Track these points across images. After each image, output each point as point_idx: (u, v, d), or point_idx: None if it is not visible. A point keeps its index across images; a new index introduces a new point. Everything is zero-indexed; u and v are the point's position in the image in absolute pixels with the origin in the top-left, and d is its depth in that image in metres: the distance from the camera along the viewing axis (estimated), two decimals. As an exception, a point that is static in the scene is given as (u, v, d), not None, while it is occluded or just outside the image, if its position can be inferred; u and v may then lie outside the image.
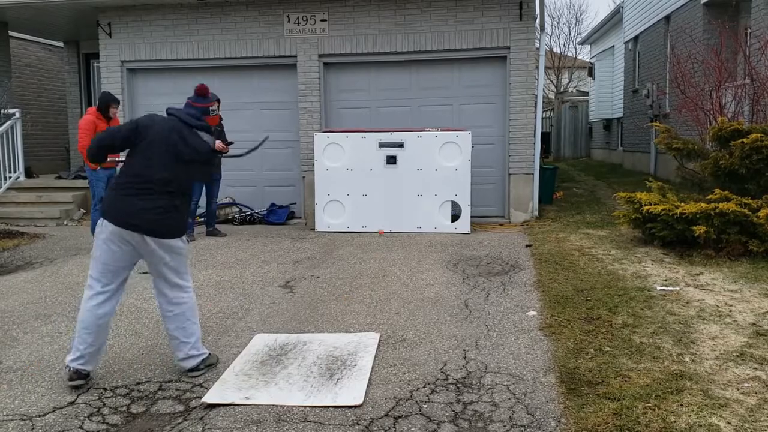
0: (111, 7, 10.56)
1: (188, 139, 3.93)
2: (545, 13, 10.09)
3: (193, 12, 10.43)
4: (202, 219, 9.50)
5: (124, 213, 3.79)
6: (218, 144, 9.00)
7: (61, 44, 14.34)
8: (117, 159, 8.12)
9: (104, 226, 3.82)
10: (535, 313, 5.15)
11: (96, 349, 3.90)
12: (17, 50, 13.96)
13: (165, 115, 4.07)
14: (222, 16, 10.36)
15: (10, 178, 11.25)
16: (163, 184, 3.83)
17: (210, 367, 4.10)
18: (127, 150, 3.95)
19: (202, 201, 9.07)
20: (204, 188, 8.87)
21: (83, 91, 13.62)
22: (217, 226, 9.27)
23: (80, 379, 3.85)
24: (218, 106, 8.84)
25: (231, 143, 8.84)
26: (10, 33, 12.89)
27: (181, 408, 3.61)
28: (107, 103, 8.11)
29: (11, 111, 11.43)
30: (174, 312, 3.99)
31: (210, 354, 4.16)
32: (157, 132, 3.88)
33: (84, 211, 10.84)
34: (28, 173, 11.87)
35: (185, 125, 3.98)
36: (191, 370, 4.02)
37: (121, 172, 3.94)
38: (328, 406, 3.57)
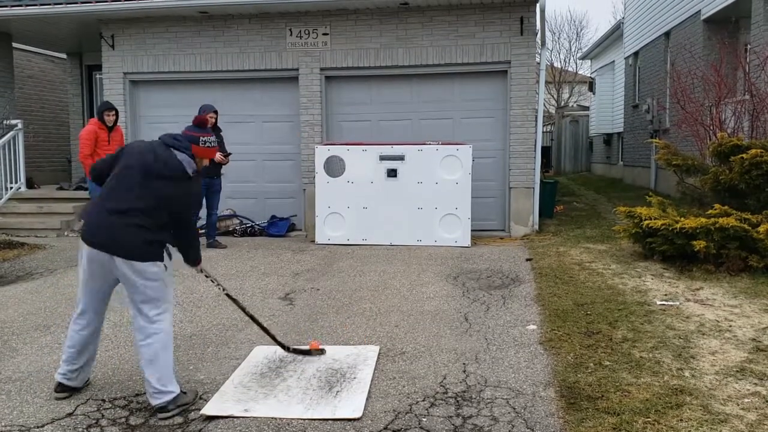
0: (114, 20, 10.62)
1: (160, 155, 3.77)
2: (546, 28, 10.15)
3: (196, 25, 10.49)
4: (203, 231, 9.51)
5: (93, 232, 3.71)
6: (218, 156, 9.05)
7: (64, 56, 14.41)
8: None
9: (80, 246, 3.79)
10: (535, 327, 5.14)
11: (80, 367, 3.91)
12: (20, 61, 14.02)
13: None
14: (225, 29, 10.43)
15: (11, 188, 11.27)
16: (134, 200, 3.66)
17: (182, 408, 3.69)
18: None
19: (203, 213, 9.08)
20: (204, 200, 8.87)
21: (86, 102, 13.66)
22: (217, 238, 9.27)
23: (65, 392, 3.91)
24: (216, 118, 8.89)
25: (230, 154, 8.91)
26: (14, 44, 12.95)
27: (179, 420, 3.60)
28: (102, 110, 8.19)
29: (14, 122, 11.47)
30: (143, 343, 3.72)
31: (181, 393, 3.75)
32: (134, 150, 3.84)
33: (85, 222, 10.82)
34: (30, 184, 11.89)
35: (162, 144, 3.86)
36: (159, 410, 3.64)
37: (100, 192, 3.88)
38: (327, 419, 3.56)
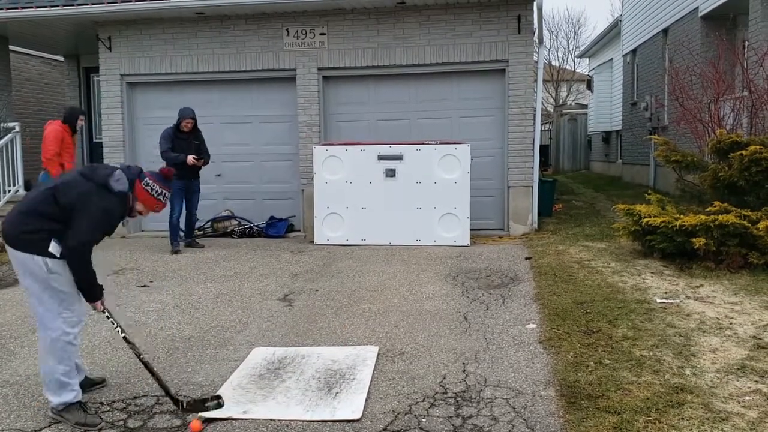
0: (111, 21, 10.60)
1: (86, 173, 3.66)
2: (543, 27, 10.14)
3: (193, 26, 10.47)
4: (200, 232, 9.50)
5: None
6: (190, 159, 9.14)
7: (61, 58, 14.38)
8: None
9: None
10: (534, 326, 5.13)
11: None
12: (17, 64, 14.00)
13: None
14: (221, 30, 10.40)
15: (9, 191, 11.24)
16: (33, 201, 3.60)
17: (66, 420, 3.56)
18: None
19: (201, 215, 9.08)
20: (183, 201, 9.00)
21: (83, 104, 13.64)
22: (197, 239, 9.41)
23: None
24: (194, 122, 9.06)
25: (207, 156, 9.01)
26: (11, 47, 12.93)
27: (178, 422, 3.59)
28: (77, 115, 8.15)
29: (11, 125, 11.44)
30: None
31: (67, 405, 3.59)
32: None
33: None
34: (28, 186, 11.85)
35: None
36: (52, 410, 3.63)
37: None
38: (327, 421, 3.54)
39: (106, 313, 3.81)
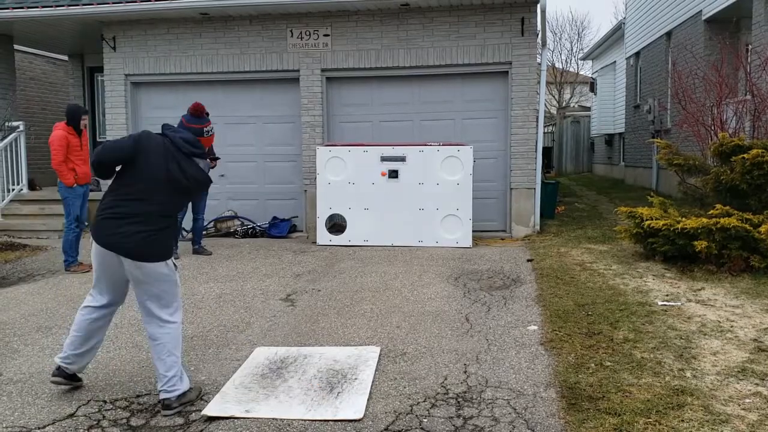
0: (115, 21, 10.64)
1: (187, 170, 3.79)
2: (547, 29, 10.15)
3: (197, 26, 10.51)
4: (188, 235, 9.29)
5: (104, 233, 3.71)
6: None
7: (65, 58, 14.43)
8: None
9: (92, 240, 3.80)
10: (536, 327, 5.14)
11: (82, 353, 3.93)
12: (22, 64, 14.05)
13: (161, 131, 3.94)
14: (225, 31, 10.44)
15: (13, 190, 11.28)
16: (154, 208, 3.72)
17: (186, 404, 3.75)
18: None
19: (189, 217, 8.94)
20: (190, 204, 8.62)
21: (87, 104, 13.69)
22: (203, 245, 8.94)
23: (61, 377, 3.93)
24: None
25: (218, 158, 8.87)
26: (16, 46, 12.98)
27: (180, 421, 3.61)
28: (79, 114, 8.08)
29: (15, 124, 11.49)
30: (155, 343, 3.78)
31: (190, 389, 3.82)
32: (155, 156, 3.74)
33: (87, 224, 10.85)
34: (32, 185, 11.90)
35: (182, 153, 3.81)
36: (164, 407, 3.70)
37: (110, 189, 3.81)
38: (329, 420, 3.56)
39: None
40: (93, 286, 3.95)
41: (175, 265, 3.87)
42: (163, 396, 3.71)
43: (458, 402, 3.75)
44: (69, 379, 3.98)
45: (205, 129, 4.00)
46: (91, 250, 3.86)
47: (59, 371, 3.92)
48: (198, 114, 4.01)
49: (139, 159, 3.73)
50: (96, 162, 3.73)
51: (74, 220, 7.70)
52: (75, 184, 7.69)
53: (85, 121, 8.12)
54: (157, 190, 3.73)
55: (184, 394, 3.76)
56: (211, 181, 4.06)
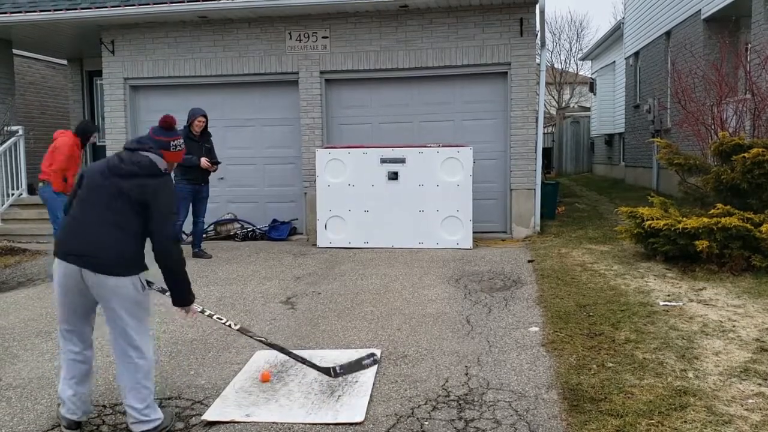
0: (114, 25, 10.63)
1: (125, 157, 3.49)
2: (546, 29, 10.14)
3: (196, 29, 10.50)
4: (188, 237, 9.24)
5: (64, 243, 3.41)
6: (203, 162, 8.88)
7: (64, 62, 14.42)
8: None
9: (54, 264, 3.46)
10: (537, 328, 5.12)
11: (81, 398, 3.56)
12: (21, 68, 14.05)
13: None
14: (224, 34, 10.43)
15: (12, 194, 11.28)
16: (104, 210, 3.38)
17: None
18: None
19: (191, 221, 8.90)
20: (191, 207, 8.63)
21: (86, 108, 13.69)
22: (203, 248, 8.84)
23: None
24: (206, 122, 8.67)
25: (218, 163, 8.79)
26: (14, 51, 12.97)
27: (180, 425, 3.59)
28: (90, 132, 8.09)
29: (14, 128, 11.48)
30: (125, 370, 3.43)
31: (162, 420, 3.47)
32: (95, 166, 3.53)
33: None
34: (31, 190, 11.89)
35: (125, 150, 3.56)
36: None
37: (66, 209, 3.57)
38: (329, 424, 3.54)
39: (207, 312, 3.89)
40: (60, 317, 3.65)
41: (144, 284, 3.52)
42: (136, 429, 3.43)
43: (459, 404, 3.74)
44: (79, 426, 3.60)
45: (172, 143, 3.66)
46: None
47: (75, 424, 3.56)
48: (167, 127, 3.73)
49: (86, 178, 3.52)
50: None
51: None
52: (61, 192, 7.74)
53: (94, 139, 8.12)
54: (105, 192, 3.43)
55: (160, 423, 3.47)
56: (162, 172, 3.54)
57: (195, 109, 8.62)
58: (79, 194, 3.50)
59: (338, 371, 4.12)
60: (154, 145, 3.61)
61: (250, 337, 4.11)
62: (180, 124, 8.46)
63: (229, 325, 4.00)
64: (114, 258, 3.34)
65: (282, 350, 4.16)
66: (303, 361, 4.16)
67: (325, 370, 4.12)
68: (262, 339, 4.18)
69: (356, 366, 4.17)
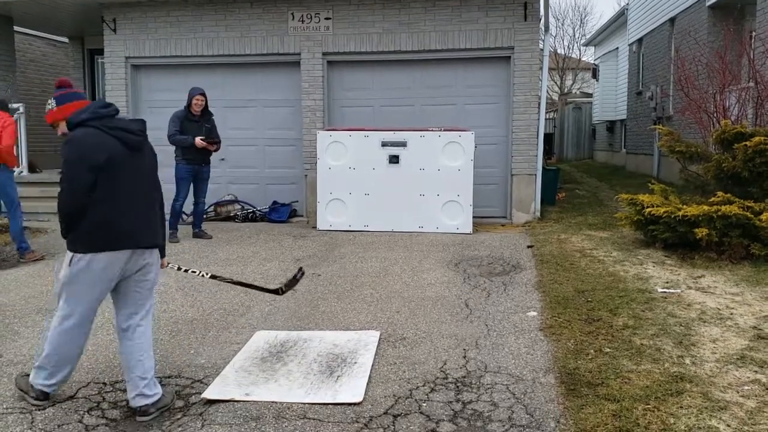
0: (116, 4, 10.56)
1: (133, 129, 3.53)
2: (550, 14, 10.12)
3: (198, 9, 10.44)
4: (189, 219, 9.25)
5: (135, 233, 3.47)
6: (198, 141, 8.84)
7: (65, 40, 14.35)
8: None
9: (94, 261, 3.37)
10: (535, 313, 5.15)
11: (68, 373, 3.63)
12: (22, 45, 13.97)
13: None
14: (226, 14, 10.37)
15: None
16: (148, 188, 3.61)
17: (162, 410, 3.48)
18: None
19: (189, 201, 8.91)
20: (192, 187, 8.63)
21: (88, 86, 13.63)
22: (204, 228, 8.85)
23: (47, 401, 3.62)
24: (206, 101, 8.62)
25: (219, 142, 8.77)
26: (15, 28, 12.90)
27: (180, 403, 3.62)
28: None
29: (15, 106, 11.43)
30: (134, 342, 3.51)
31: (163, 395, 3.53)
32: (117, 149, 3.49)
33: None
34: (32, 168, 11.89)
35: (115, 117, 3.53)
36: (140, 414, 3.44)
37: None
38: (328, 404, 3.57)
39: (177, 267, 4.21)
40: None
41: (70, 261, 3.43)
42: (137, 402, 3.47)
43: (457, 387, 3.76)
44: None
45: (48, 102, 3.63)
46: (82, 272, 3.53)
47: (46, 396, 3.63)
48: (57, 85, 3.67)
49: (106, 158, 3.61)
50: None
51: (19, 205, 7.90)
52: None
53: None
54: (144, 171, 3.70)
55: (161, 398, 3.53)
56: (64, 156, 3.62)
57: (194, 88, 8.60)
58: (114, 176, 3.46)
59: (284, 289, 4.56)
60: (93, 107, 3.52)
61: (221, 281, 4.56)
62: (181, 103, 8.60)
63: (202, 275, 4.37)
64: (163, 231, 3.69)
65: (231, 281, 4.60)
66: (249, 285, 4.66)
67: (274, 291, 4.56)
68: (230, 280, 4.64)
69: (293, 282, 4.61)
